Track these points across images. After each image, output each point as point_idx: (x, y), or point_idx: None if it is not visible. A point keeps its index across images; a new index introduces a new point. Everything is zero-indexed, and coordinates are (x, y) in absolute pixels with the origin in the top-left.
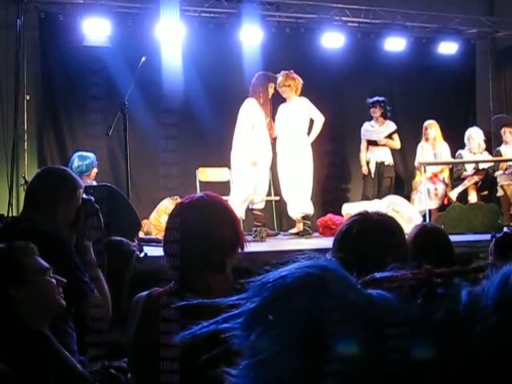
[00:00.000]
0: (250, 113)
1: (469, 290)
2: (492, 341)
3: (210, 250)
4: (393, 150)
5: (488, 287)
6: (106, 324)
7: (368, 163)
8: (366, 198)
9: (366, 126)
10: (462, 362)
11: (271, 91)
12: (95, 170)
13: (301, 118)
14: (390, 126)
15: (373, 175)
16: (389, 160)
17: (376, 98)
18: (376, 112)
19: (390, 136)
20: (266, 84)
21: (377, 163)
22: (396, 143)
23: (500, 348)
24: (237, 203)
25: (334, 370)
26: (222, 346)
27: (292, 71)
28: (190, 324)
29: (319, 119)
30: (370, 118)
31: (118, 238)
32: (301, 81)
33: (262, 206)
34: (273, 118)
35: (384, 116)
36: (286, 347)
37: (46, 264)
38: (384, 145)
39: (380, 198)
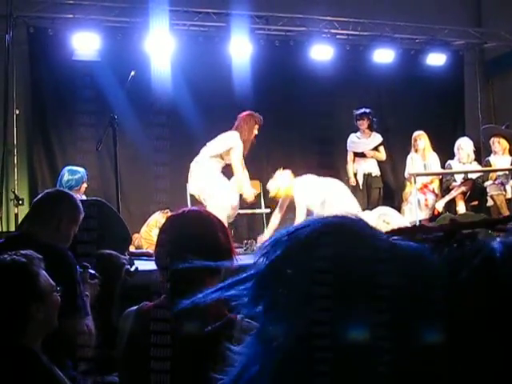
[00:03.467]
0: (233, 145)
1: (501, 240)
2: None
3: (207, 258)
4: (381, 161)
5: None
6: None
7: (355, 175)
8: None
9: (353, 137)
10: (501, 313)
11: (255, 132)
12: (85, 185)
13: None
14: (377, 138)
15: (361, 187)
16: (376, 171)
17: (363, 110)
18: (363, 124)
19: (375, 148)
20: (252, 125)
21: (364, 175)
22: (382, 155)
23: None
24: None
25: (367, 322)
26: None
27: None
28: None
29: None
30: (357, 130)
31: (108, 251)
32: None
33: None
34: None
35: (370, 128)
36: (303, 305)
37: (51, 281)
38: (371, 157)
39: (370, 210)
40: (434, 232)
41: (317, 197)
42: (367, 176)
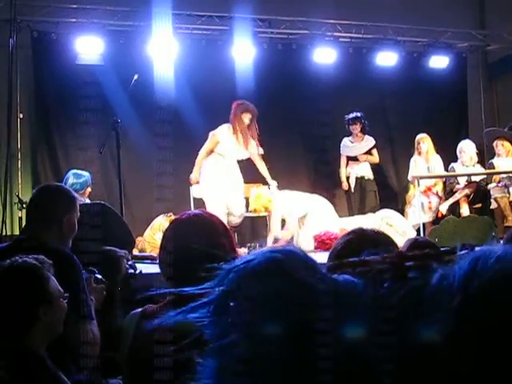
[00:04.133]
0: (219, 138)
1: (441, 272)
2: (453, 327)
3: (211, 261)
4: (375, 164)
5: (458, 268)
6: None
7: (348, 178)
8: (351, 212)
9: (345, 142)
10: (418, 350)
11: (246, 121)
12: (89, 190)
13: None
14: (370, 142)
15: (353, 190)
16: (369, 174)
17: (355, 115)
18: (356, 128)
19: (369, 151)
20: (238, 114)
21: (357, 178)
22: (375, 158)
23: (461, 338)
24: None
25: (294, 355)
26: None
27: None
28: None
29: None
30: (349, 134)
31: (105, 248)
32: None
33: (236, 222)
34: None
35: (363, 131)
36: (245, 334)
37: (60, 287)
38: (364, 160)
39: (366, 213)
40: (378, 265)
41: (297, 211)
42: (360, 179)
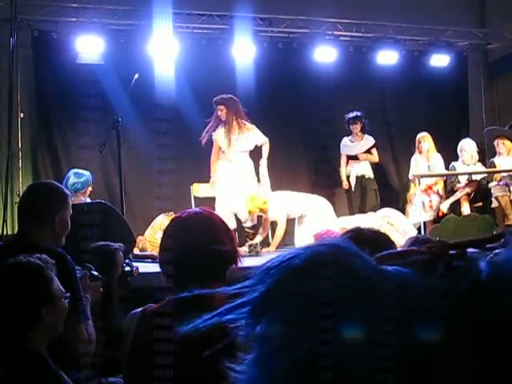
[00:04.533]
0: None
1: (488, 260)
2: None
3: (212, 259)
4: (374, 163)
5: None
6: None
7: (348, 177)
8: (352, 211)
9: (345, 141)
10: (484, 337)
11: (219, 113)
12: (90, 189)
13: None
14: (369, 141)
15: (353, 189)
16: (369, 173)
17: (355, 114)
18: (356, 128)
19: (368, 150)
20: (215, 109)
21: (357, 177)
22: (375, 157)
23: None
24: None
25: (351, 353)
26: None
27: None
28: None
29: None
30: (349, 133)
31: (98, 243)
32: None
33: (248, 224)
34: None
35: (363, 131)
36: (299, 333)
37: (62, 287)
38: (364, 159)
39: (366, 212)
40: (423, 255)
41: (292, 211)
42: (360, 178)
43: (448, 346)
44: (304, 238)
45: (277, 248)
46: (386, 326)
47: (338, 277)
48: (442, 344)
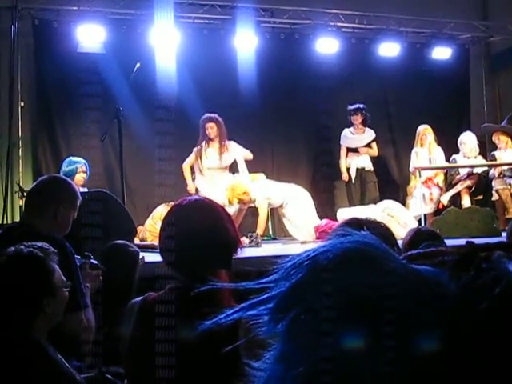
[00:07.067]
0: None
1: None
2: None
3: (217, 244)
4: (373, 157)
5: None
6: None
7: (348, 170)
8: (352, 203)
9: (346, 133)
10: None
11: (209, 131)
12: (83, 176)
13: None
14: (370, 135)
15: (353, 181)
16: (369, 166)
17: (357, 106)
18: (357, 119)
19: (368, 144)
20: (202, 126)
21: (357, 169)
22: (374, 151)
23: None
24: None
25: (388, 352)
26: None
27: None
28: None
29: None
30: (350, 125)
31: (121, 242)
32: None
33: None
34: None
35: (364, 123)
36: (327, 331)
37: (63, 276)
38: (364, 153)
39: (366, 204)
40: (452, 255)
41: (273, 201)
42: (360, 170)
43: (487, 346)
44: (299, 230)
45: (274, 239)
46: (423, 325)
47: (375, 274)
48: (482, 344)
